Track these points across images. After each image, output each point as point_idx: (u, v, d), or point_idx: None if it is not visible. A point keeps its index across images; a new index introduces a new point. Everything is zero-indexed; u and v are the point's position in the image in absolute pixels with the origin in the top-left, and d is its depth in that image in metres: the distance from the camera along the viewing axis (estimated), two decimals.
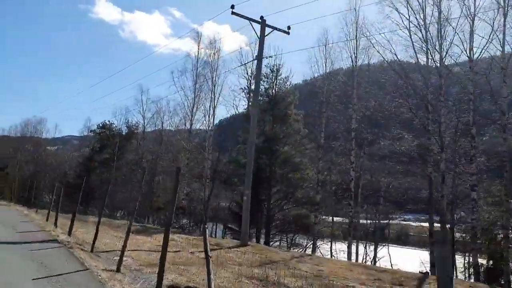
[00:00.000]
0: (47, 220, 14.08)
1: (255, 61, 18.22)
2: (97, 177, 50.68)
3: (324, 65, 31.24)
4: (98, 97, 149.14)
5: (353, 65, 27.24)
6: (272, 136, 30.39)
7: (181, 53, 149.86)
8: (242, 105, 40.85)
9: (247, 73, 35.80)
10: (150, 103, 45.15)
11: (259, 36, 17.42)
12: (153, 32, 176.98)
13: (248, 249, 15.40)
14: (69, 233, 10.32)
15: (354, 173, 25.57)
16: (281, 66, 32.73)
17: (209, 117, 33.58)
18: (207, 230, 26.12)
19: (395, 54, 21.76)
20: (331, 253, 24.57)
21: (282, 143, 29.84)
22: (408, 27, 21.67)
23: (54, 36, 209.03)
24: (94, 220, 23.73)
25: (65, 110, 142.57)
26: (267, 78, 33.34)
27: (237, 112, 38.16)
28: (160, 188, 38.72)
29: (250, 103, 33.97)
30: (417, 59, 22.34)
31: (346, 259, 24.38)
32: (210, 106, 33.71)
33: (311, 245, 29.26)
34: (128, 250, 10.31)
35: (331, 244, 25.35)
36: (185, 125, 37.92)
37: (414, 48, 21.73)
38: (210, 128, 33.12)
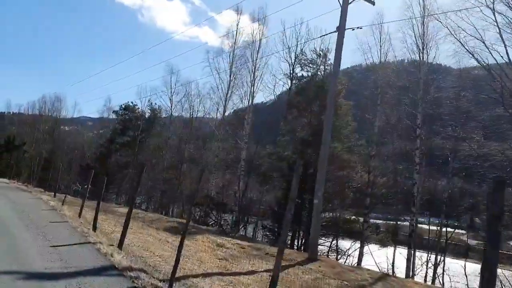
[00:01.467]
0: (79, 216, 11.18)
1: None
2: (118, 160, 48.28)
3: (378, 52, 27.85)
4: (118, 79, 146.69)
5: (420, 51, 23.76)
6: (319, 128, 27.24)
7: (198, 41, 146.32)
8: (280, 91, 37.81)
9: (290, 57, 32.59)
10: (179, 86, 42.10)
11: (341, 4, 14.31)
12: (172, 19, 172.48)
13: (321, 266, 12.39)
14: (120, 245, 7.35)
15: (418, 175, 22.32)
16: (328, 51, 29.47)
17: (248, 102, 30.48)
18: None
19: (482, 41, 17.86)
20: (393, 266, 21.49)
21: (330, 137, 26.68)
22: (492, 5, 17.57)
23: (74, 17, 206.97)
24: (123, 212, 20.75)
25: (83, 90, 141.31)
26: (313, 64, 30.18)
27: (276, 98, 35.10)
28: (185, 177, 35.87)
29: (293, 89, 30.94)
30: (504, 44, 18.21)
31: (404, 274, 21.29)
32: (249, 92, 30.58)
33: (357, 252, 26.24)
34: (204, 276, 7.35)
35: (394, 256, 22.14)
36: (217, 111, 34.91)
37: (499, 30, 17.70)
38: (248, 116, 29.97)
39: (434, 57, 24.58)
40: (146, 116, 47.99)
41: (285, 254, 13.88)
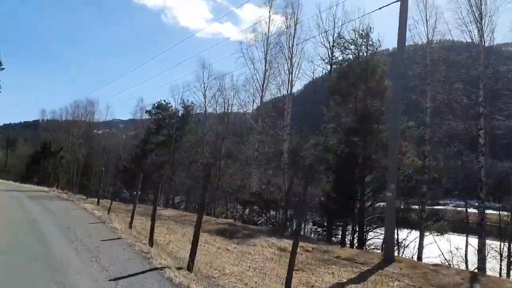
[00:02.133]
0: (130, 226, 9.95)
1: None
2: (153, 160, 47.67)
3: (425, 27, 25.66)
4: (147, 78, 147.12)
5: (477, 21, 21.49)
6: (365, 114, 25.45)
7: (221, 37, 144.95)
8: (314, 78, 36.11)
9: (328, 41, 30.81)
10: (212, 80, 40.89)
11: None
12: (195, 17, 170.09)
13: (403, 268, 10.83)
14: (190, 267, 5.98)
15: (484, 158, 20.27)
16: (370, 29, 27.46)
17: (287, 91, 28.88)
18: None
19: None
20: (467, 260, 19.54)
21: (377, 123, 24.85)
22: None
23: (98, 22, 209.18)
24: (169, 215, 19.56)
25: (114, 92, 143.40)
26: (354, 45, 28.24)
27: (303, 88, 33.51)
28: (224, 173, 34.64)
29: (333, 74, 29.24)
30: None
31: (476, 267, 19.35)
32: (288, 80, 28.96)
33: (412, 243, 24.40)
34: None
35: (467, 248, 20.13)
36: (253, 102, 33.52)
37: None
38: (288, 106, 28.42)
39: (494, 29, 22.17)
40: (180, 114, 47.13)
41: (354, 255, 12.39)
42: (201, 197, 6.60)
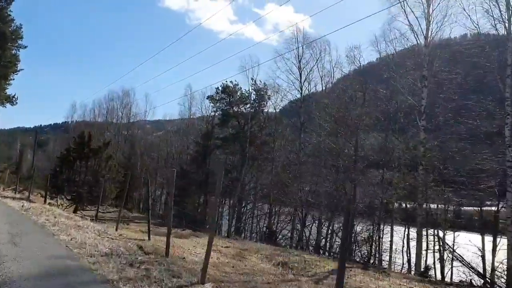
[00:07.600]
0: None
1: None
2: (220, 158, 35.87)
3: None
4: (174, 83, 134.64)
5: None
6: None
7: (245, 39, 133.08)
8: None
9: None
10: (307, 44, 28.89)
11: None
12: (219, 19, 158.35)
13: None
14: None
15: None
16: None
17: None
18: None
19: None
20: None
21: None
22: None
23: (125, 23, 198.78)
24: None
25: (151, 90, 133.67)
26: None
27: None
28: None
29: None
30: None
31: None
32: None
33: None
34: None
35: None
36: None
37: None
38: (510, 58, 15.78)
39: None
40: (255, 97, 35.15)
41: None
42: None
